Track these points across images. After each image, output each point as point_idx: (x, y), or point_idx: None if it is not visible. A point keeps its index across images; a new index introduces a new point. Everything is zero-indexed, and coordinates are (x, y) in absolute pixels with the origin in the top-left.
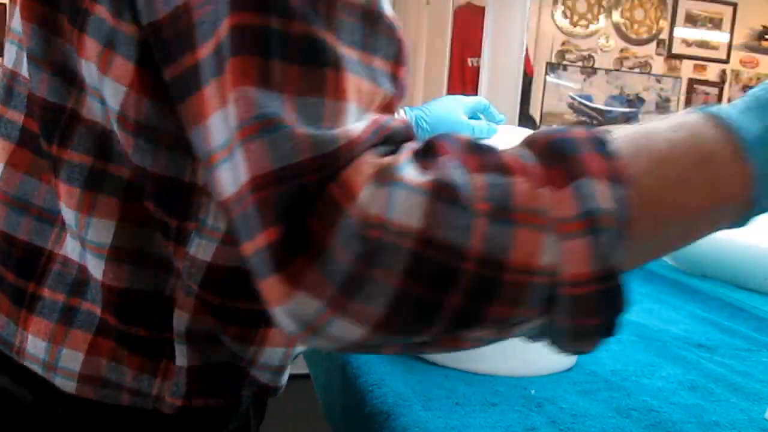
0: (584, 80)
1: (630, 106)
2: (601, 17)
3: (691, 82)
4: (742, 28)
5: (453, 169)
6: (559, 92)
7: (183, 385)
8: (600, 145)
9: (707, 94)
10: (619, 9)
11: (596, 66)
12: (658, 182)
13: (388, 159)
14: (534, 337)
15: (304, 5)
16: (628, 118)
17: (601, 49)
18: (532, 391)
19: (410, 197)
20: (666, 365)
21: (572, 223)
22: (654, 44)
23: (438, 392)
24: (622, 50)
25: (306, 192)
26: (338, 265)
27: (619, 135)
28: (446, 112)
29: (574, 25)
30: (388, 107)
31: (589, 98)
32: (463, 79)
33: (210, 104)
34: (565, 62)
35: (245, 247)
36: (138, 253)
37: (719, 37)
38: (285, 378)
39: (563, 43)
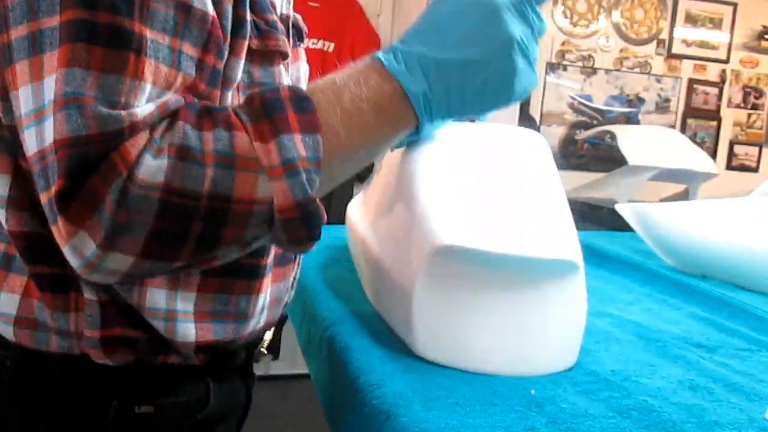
0: (584, 80)
1: (630, 106)
2: (601, 17)
3: (691, 82)
4: (742, 28)
5: (187, 131)
6: (559, 92)
7: (97, 315)
8: (301, 103)
9: (707, 94)
10: (619, 9)
11: (596, 66)
12: (345, 129)
13: (156, 132)
14: (267, 243)
15: None
16: (628, 118)
17: (601, 49)
18: (532, 391)
19: (157, 161)
20: (666, 365)
21: (276, 169)
22: (654, 44)
23: (438, 392)
24: (622, 50)
25: (92, 157)
26: (108, 213)
27: (317, 90)
28: None
29: (574, 25)
30: (192, 88)
31: (589, 98)
32: None
33: (21, 78)
34: (565, 62)
35: (42, 196)
36: (30, 201)
37: (719, 37)
38: (188, 333)
39: (563, 43)
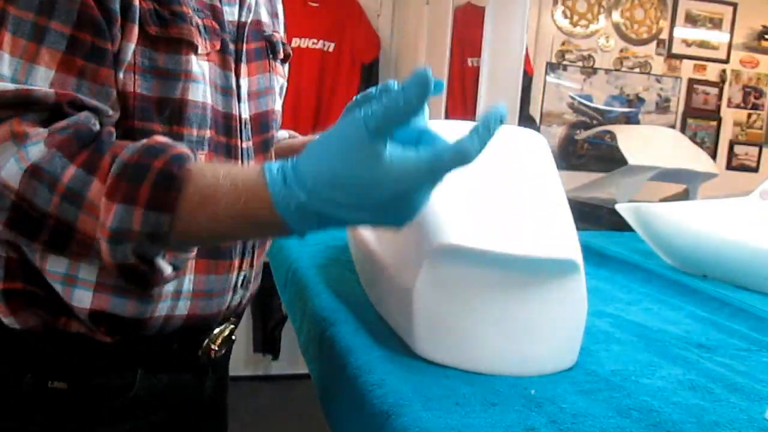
0: (584, 80)
1: (630, 106)
2: (601, 17)
3: (691, 82)
4: (742, 28)
5: (54, 156)
6: (559, 92)
7: (1, 268)
8: (166, 180)
9: (707, 94)
10: (619, 9)
11: (596, 66)
12: (207, 218)
13: (26, 130)
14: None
15: None
16: (628, 118)
17: (601, 49)
18: (532, 391)
19: (17, 169)
20: (666, 365)
21: (105, 231)
22: (654, 44)
23: (438, 392)
24: (622, 50)
25: None
26: None
27: (199, 175)
28: None
29: (574, 25)
30: (67, 62)
31: (589, 98)
32: (463, 79)
33: None
34: (565, 62)
35: None
36: None
37: (719, 37)
38: (83, 299)
39: (563, 43)
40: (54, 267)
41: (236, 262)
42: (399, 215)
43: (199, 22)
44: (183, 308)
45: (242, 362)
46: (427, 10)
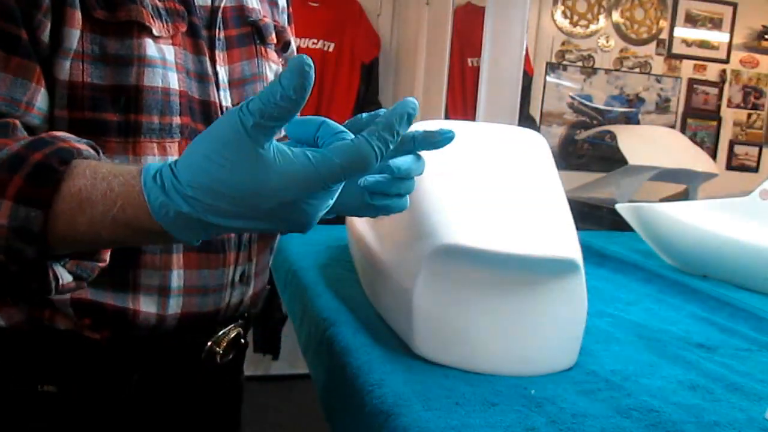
0: (584, 80)
1: (630, 106)
2: (601, 17)
3: (691, 82)
4: (742, 28)
5: None
6: (559, 92)
7: None
8: (40, 175)
9: (707, 94)
10: (619, 9)
11: (596, 66)
12: (83, 219)
13: None
14: None
15: None
16: (628, 118)
17: (601, 49)
18: (532, 391)
19: None
20: (666, 365)
21: None
22: (654, 44)
23: (438, 392)
24: (622, 50)
25: None
26: None
27: (79, 174)
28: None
29: (574, 25)
30: None
31: (589, 98)
32: (463, 79)
33: None
34: (565, 62)
35: None
36: None
37: (719, 37)
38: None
39: (563, 43)
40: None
41: (231, 256)
42: (293, 224)
43: (158, 4)
44: (175, 306)
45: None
46: (427, 10)
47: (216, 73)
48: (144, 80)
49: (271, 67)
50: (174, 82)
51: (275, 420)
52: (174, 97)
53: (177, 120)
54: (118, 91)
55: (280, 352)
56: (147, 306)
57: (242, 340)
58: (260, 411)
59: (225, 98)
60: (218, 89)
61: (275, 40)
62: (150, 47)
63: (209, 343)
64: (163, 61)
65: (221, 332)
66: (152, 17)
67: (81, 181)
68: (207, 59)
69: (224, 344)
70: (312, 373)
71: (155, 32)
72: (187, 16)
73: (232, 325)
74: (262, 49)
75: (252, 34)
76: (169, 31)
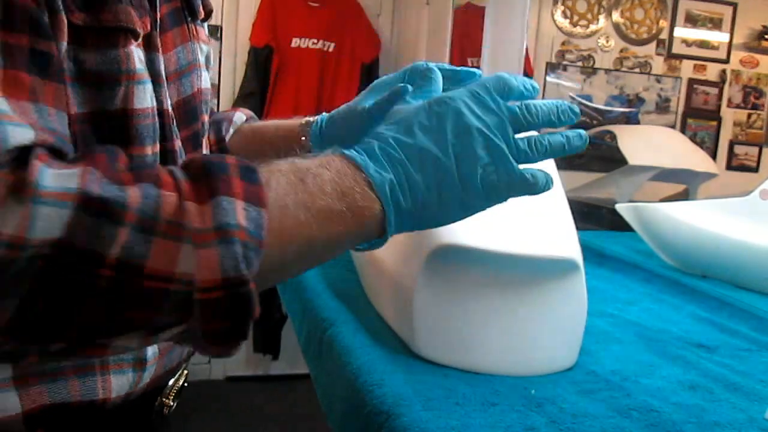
0: (584, 80)
1: (630, 106)
2: (601, 17)
3: (691, 82)
4: (742, 28)
5: (100, 182)
6: (559, 92)
7: None
8: (247, 173)
9: (707, 94)
10: (619, 9)
11: (596, 66)
12: (305, 212)
13: (20, 173)
14: (179, 341)
15: None
16: (628, 118)
17: (601, 49)
18: (532, 391)
19: (54, 212)
20: (666, 365)
21: (207, 234)
22: (654, 44)
23: (438, 392)
24: (622, 50)
25: None
26: None
27: (274, 168)
28: (351, 103)
29: (574, 25)
30: (14, 80)
31: (589, 98)
32: None
33: None
34: (565, 62)
35: None
36: None
37: (719, 37)
38: (8, 401)
39: (563, 43)
40: None
41: None
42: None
43: None
44: (147, 376)
45: (242, 362)
46: (427, 10)
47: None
48: (133, 102)
49: (202, 49)
50: (154, 97)
51: (275, 420)
52: (155, 117)
53: (158, 146)
54: (99, 118)
55: (280, 352)
56: (119, 389)
57: (185, 384)
58: (260, 411)
59: (167, 100)
60: (161, 88)
61: (203, 14)
62: (136, 58)
63: (159, 398)
64: (145, 73)
65: (171, 382)
66: (135, 15)
67: (281, 174)
68: (159, 55)
69: (173, 395)
70: (312, 373)
71: (139, 34)
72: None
73: (180, 371)
74: (194, 27)
75: (182, 9)
76: (143, 29)
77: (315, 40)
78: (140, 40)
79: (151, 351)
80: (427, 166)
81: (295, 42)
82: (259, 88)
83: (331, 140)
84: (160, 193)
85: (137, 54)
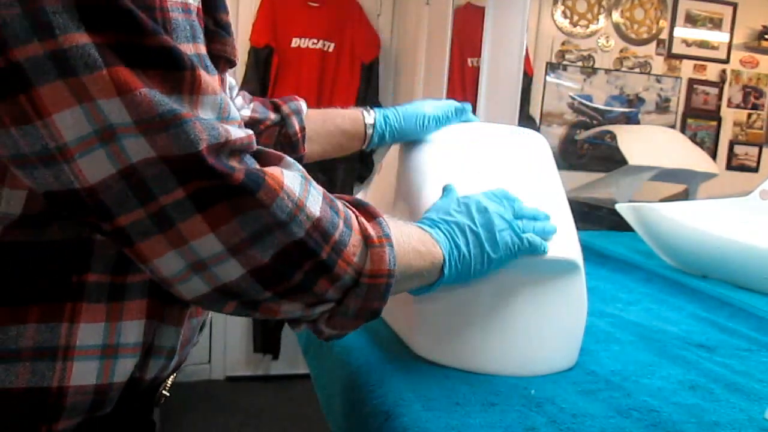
0: (584, 80)
1: (630, 106)
2: (601, 17)
3: (691, 82)
4: (742, 28)
5: (318, 194)
6: (559, 92)
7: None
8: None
9: (707, 94)
10: (619, 9)
11: (596, 66)
12: (404, 242)
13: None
14: (323, 315)
15: (148, 19)
16: (628, 118)
17: (601, 49)
18: (532, 391)
19: (317, 196)
20: (666, 365)
21: (378, 238)
22: (654, 44)
23: (438, 392)
24: (622, 50)
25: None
26: (257, 218)
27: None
28: (414, 109)
29: (574, 25)
30: (220, 85)
31: (589, 98)
32: (463, 79)
33: (54, 101)
34: (565, 62)
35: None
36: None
37: (719, 37)
38: (126, 365)
39: (563, 43)
40: (87, 341)
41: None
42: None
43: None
44: (171, 367)
45: (242, 362)
46: (427, 10)
47: None
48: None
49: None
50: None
51: (275, 420)
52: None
53: None
54: None
55: (280, 352)
56: (152, 370)
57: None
58: (260, 411)
59: None
60: None
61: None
62: (225, 82)
63: (160, 390)
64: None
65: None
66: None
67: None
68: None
69: (168, 385)
70: (312, 373)
71: (235, 63)
72: None
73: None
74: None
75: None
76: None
77: (315, 40)
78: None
79: (179, 340)
80: (465, 233)
81: (295, 42)
82: (259, 88)
83: (392, 133)
84: (347, 208)
85: (225, 78)
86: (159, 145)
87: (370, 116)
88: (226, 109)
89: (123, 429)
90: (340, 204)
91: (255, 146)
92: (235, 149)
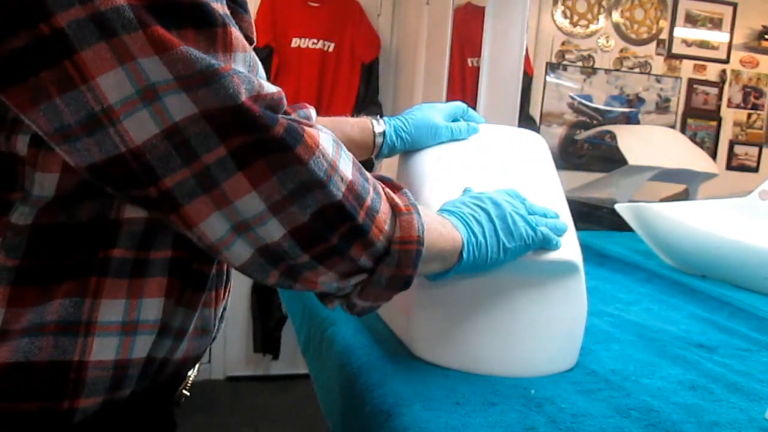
0: (584, 80)
1: (630, 106)
2: (601, 17)
3: (691, 82)
4: (742, 28)
5: (348, 159)
6: (559, 92)
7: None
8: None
9: (707, 94)
10: (619, 9)
11: (596, 66)
12: (429, 219)
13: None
14: (356, 287)
15: None
16: (628, 118)
17: (601, 49)
18: (532, 391)
19: (348, 160)
20: (666, 365)
21: (406, 207)
22: (654, 44)
23: (438, 392)
24: (622, 50)
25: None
26: (296, 175)
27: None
28: (424, 118)
29: (574, 25)
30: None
31: (589, 98)
32: (463, 79)
33: (98, 64)
34: (565, 62)
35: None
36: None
37: (719, 37)
38: (145, 342)
39: (563, 43)
40: (108, 316)
41: (221, 292)
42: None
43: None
44: (181, 351)
45: (242, 362)
46: (427, 10)
47: None
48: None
49: None
50: None
51: (275, 420)
52: None
53: None
54: None
55: (280, 352)
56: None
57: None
58: (260, 411)
59: None
60: None
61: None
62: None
63: (180, 390)
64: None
65: (189, 372)
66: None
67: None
68: None
69: (188, 386)
70: (312, 373)
71: (254, 42)
72: None
73: (197, 364)
74: None
75: None
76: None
77: (315, 40)
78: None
79: (191, 324)
80: (482, 223)
81: (295, 42)
82: None
83: (402, 145)
84: (379, 184)
85: None
86: (200, 100)
87: (380, 125)
88: (255, 67)
89: (144, 425)
90: (366, 173)
91: (285, 104)
92: (271, 103)
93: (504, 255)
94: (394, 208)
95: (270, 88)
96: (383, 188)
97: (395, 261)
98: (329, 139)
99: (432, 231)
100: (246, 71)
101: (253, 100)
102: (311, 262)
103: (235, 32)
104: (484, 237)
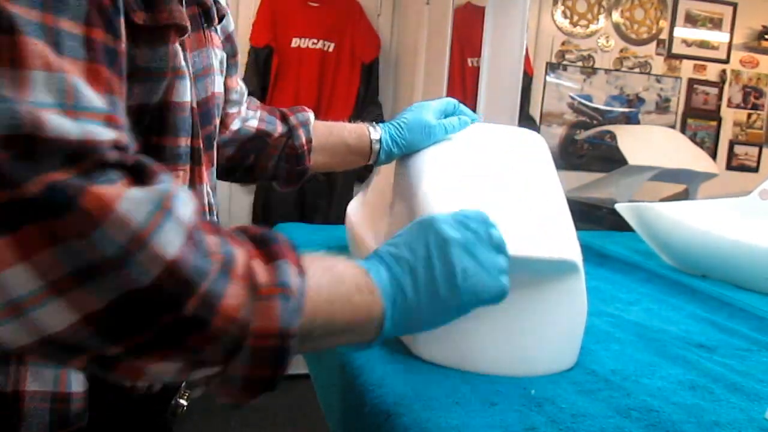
0: (584, 80)
1: (630, 106)
2: (601, 17)
3: (691, 82)
4: (742, 28)
5: (179, 228)
6: (559, 92)
7: None
8: (293, 246)
9: (707, 94)
10: (619, 9)
11: (596, 66)
12: (327, 292)
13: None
14: (206, 383)
15: None
16: (628, 118)
17: (601, 49)
18: (532, 391)
19: (178, 230)
20: (666, 365)
21: (270, 288)
22: (654, 44)
23: (438, 392)
24: (622, 50)
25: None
26: (79, 251)
27: (308, 254)
28: (416, 119)
29: (574, 25)
30: (94, 73)
31: (589, 98)
32: (463, 79)
33: None
34: (565, 62)
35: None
36: None
37: (719, 37)
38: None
39: (563, 43)
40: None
41: None
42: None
43: None
44: None
45: None
46: (427, 10)
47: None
48: (173, 95)
49: (216, 54)
50: (190, 93)
51: (275, 420)
52: (193, 114)
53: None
54: (142, 110)
55: None
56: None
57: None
58: (260, 411)
59: (194, 98)
60: (192, 85)
61: (216, 20)
62: (180, 55)
63: (175, 398)
64: (185, 69)
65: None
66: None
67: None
68: (180, 50)
69: (187, 395)
70: (312, 373)
71: (187, 29)
72: None
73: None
74: (209, 34)
75: (198, 16)
76: (189, 27)
77: (315, 40)
78: (184, 37)
79: None
80: (416, 273)
81: (295, 42)
82: (259, 88)
83: (398, 147)
84: (234, 246)
85: (179, 51)
86: None
87: (376, 132)
88: (74, 94)
89: None
90: (218, 241)
91: (129, 155)
92: (39, 149)
93: (444, 316)
94: (254, 290)
95: (71, 131)
96: (249, 261)
97: (247, 359)
98: (148, 200)
99: (334, 302)
100: (51, 100)
101: (2, 145)
102: (127, 355)
103: (36, 47)
104: (417, 297)
